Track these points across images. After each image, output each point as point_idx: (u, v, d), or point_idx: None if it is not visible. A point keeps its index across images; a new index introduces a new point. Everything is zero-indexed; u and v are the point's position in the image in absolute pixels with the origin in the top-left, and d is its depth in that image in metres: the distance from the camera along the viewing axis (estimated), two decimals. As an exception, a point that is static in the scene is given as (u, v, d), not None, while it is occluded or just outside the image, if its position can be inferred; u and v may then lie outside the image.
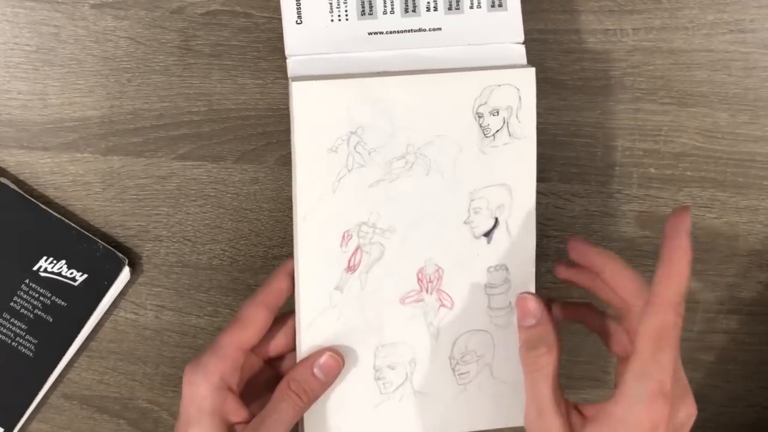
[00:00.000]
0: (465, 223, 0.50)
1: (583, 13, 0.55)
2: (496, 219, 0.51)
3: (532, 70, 0.49)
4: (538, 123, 0.56)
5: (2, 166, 0.56)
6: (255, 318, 0.48)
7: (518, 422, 0.50)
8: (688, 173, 0.57)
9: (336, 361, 0.48)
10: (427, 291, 0.51)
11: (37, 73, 0.55)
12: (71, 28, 0.54)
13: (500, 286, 0.51)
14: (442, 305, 0.51)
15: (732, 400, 0.61)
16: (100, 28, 0.54)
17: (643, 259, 0.59)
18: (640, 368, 0.42)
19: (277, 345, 0.51)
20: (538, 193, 0.57)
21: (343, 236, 0.49)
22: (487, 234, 0.51)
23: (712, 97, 0.56)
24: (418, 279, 0.50)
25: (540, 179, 0.57)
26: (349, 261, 0.49)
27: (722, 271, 0.59)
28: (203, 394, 0.46)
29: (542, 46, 0.55)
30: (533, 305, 0.48)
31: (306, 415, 0.50)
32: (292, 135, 0.48)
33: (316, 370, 0.48)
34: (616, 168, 0.57)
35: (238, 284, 0.58)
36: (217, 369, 0.47)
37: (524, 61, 0.51)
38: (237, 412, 0.47)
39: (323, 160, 0.48)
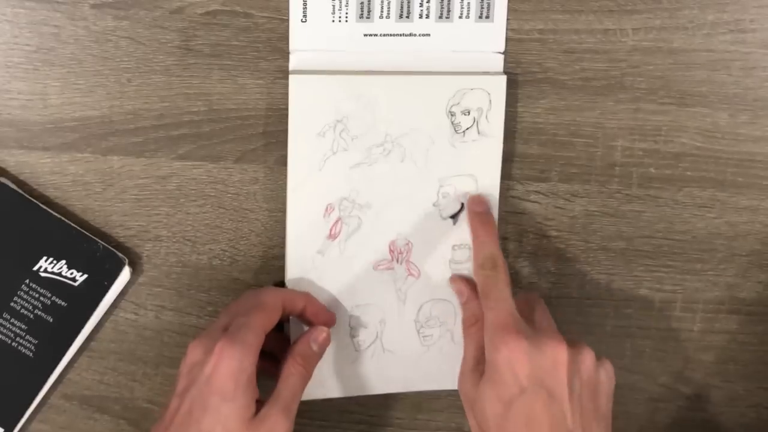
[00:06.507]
0: (434, 205, 0.56)
1: (583, 13, 0.55)
2: (462, 204, 0.56)
3: (503, 78, 0.55)
4: (540, 122, 0.56)
5: (2, 166, 0.56)
6: (277, 308, 0.52)
7: None
8: (688, 173, 0.57)
9: (326, 333, 0.54)
10: (397, 261, 0.57)
11: (37, 73, 0.55)
12: (71, 28, 0.54)
13: (464, 263, 0.57)
14: (410, 274, 0.57)
15: (732, 400, 0.61)
16: (100, 28, 0.54)
17: (643, 259, 0.59)
18: (485, 320, 0.50)
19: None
20: (538, 193, 0.57)
21: (327, 208, 0.55)
22: (454, 216, 0.56)
23: (712, 97, 0.56)
24: (390, 250, 0.56)
25: (540, 179, 0.57)
26: (331, 230, 0.55)
27: (722, 271, 0.59)
28: (243, 367, 0.48)
29: (542, 46, 0.55)
30: (461, 285, 0.56)
31: None
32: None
33: (312, 344, 0.53)
34: (616, 168, 0.57)
35: (238, 284, 0.58)
36: (254, 345, 0.49)
37: (501, 68, 0.55)
38: (257, 391, 0.49)
39: (312, 142, 0.54)
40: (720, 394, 0.61)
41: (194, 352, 0.49)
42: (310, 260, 0.56)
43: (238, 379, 0.47)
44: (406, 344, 0.58)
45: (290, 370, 0.51)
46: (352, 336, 0.57)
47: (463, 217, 0.56)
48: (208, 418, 0.47)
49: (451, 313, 0.58)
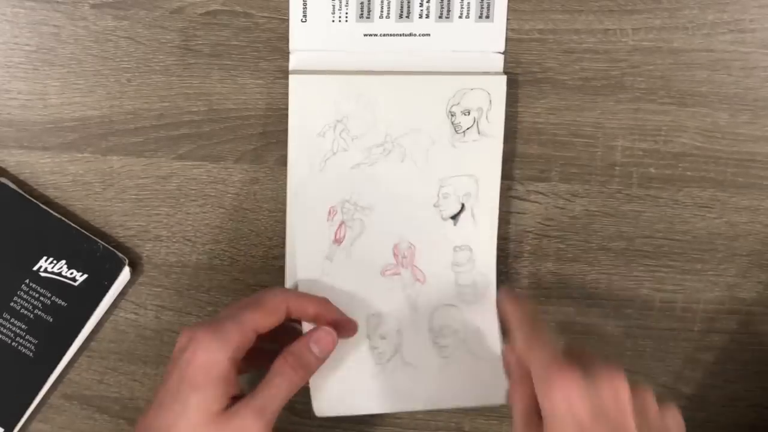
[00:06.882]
0: (434, 206, 0.55)
1: (583, 13, 0.55)
2: (463, 205, 0.56)
3: (503, 78, 0.55)
4: (540, 123, 0.56)
5: (2, 166, 0.56)
6: (278, 310, 0.50)
7: (495, 401, 0.55)
8: (688, 173, 0.57)
9: (331, 335, 0.50)
10: (402, 265, 0.55)
11: (37, 73, 0.55)
12: (71, 28, 0.54)
13: (465, 265, 0.56)
14: (417, 280, 0.56)
15: (732, 400, 0.61)
16: (100, 28, 0.54)
17: (644, 259, 0.59)
18: (533, 370, 0.46)
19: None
20: (538, 193, 0.57)
21: (329, 211, 0.55)
22: (454, 217, 0.56)
23: (712, 97, 0.56)
24: (394, 254, 0.55)
25: (540, 179, 0.57)
26: (336, 234, 0.55)
27: (722, 271, 0.59)
28: (217, 360, 0.46)
29: (542, 46, 0.55)
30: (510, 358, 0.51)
31: (313, 391, 0.54)
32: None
33: (312, 345, 0.50)
34: (616, 168, 0.57)
35: (238, 284, 0.58)
36: (235, 340, 0.47)
37: (501, 68, 0.55)
38: (236, 387, 0.48)
39: (312, 142, 0.54)
40: (720, 394, 0.61)
41: (182, 339, 0.48)
42: (320, 266, 0.55)
43: (208, 371, 0.46)
44: (426, 357, 0.56)
45: (277, 369, 0.48)
46: (372, 347, 0.55)
47: (464, 217, 0.56)
48: (176, 406, 0.46)
49: (461, 319, 0.56)
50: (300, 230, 0.54)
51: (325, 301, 0.52)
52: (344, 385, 0.54)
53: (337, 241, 0.55)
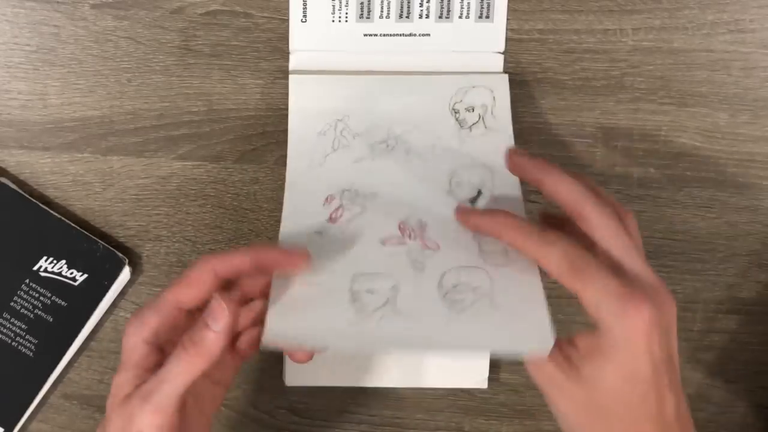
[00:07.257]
0: (447, 192, 0.52)
1: (583, 13, 0.55)
2: (479, 190, 0.52)
3: (506, 76, 0.55)
4: (540, 123, 0.56)
5: (2, 166, 0.56)
6: (200, 279, 0.45)
7: (523, 348, 0.45)
8: (688, 173, 0.57)
9: (218, 302, 0.44)
10: (410, 237, 0.50)
11: (37, 73, 0.55)
12: (71, 28, 0.54)
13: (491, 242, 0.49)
14: (428, 248, 0.49)
15: (732, 400, 0.61)
16: (100, 28, 0.54)
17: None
18: (587, 298, 0.43)
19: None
20: (538, 193, 0.57)
21: (327, 198, 0.52)
22: (472, 201, 0.52)
23: (712, 97, 0.56)
24: (400, 229, 0.50)
25: (540, 179, 0.57)
26: (331, 215, 0.51)
27: (722, 271, 0.59)
28: (131, 345, 0.45)
29: (542, 46, 0.55)
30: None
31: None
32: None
33: (207, 319, 0.44)
34: (616, 168, 0.57)
35: (238, 284, 0.58)
36: (151, 323, 0.45)
37: (501, 68, 0.55)
38: (156, 369, 0.45)
39: (312, 141, 0.53)
40: (720, 394, 0.61)
41: None
42: (306, 238, 0.50)
43: (129, 356, 0.45)
44: (428, 308, 0.46)
45: (173, 353, 0.44)
46: (353, 300, 0.46)
47: (483, 201, 0.52)
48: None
49: (486, 278, 0.47)
50: (291, 212, 0.51)
51: (258, 248, 0.46)
52: (306, 323, 0.45)
53: (332, 220, 0.51)
